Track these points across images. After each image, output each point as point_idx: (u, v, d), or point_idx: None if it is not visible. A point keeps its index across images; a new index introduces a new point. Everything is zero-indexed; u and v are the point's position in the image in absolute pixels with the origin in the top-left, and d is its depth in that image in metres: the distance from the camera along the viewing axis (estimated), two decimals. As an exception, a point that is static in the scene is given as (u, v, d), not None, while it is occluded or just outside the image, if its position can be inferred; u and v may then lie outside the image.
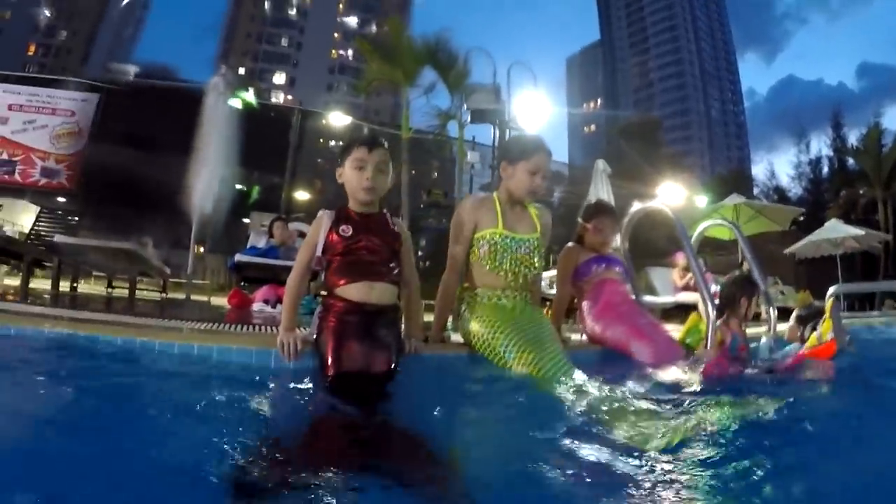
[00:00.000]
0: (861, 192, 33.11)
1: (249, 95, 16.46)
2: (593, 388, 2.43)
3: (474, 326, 3.06)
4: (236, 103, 16.63)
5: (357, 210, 2.73)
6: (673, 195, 19.67)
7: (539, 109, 12.36)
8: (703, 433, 1.81)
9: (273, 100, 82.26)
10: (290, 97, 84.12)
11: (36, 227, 8.94)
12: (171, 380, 2.34)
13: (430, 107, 15.79)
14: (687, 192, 20.07)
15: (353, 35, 79.85)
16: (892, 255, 28.81)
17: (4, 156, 16.30)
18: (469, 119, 13.17)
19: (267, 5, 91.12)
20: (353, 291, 2.55)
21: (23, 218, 9.73)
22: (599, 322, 3.80)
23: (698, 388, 2.76)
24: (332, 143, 43.99)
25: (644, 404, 2.18)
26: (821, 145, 50.11)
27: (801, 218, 23.80)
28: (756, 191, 48.26)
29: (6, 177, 16.76)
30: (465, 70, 13.58)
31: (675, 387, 2.76)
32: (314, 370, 2.44)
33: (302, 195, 34.04)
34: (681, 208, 17.24)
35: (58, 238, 7.54)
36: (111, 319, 3.45)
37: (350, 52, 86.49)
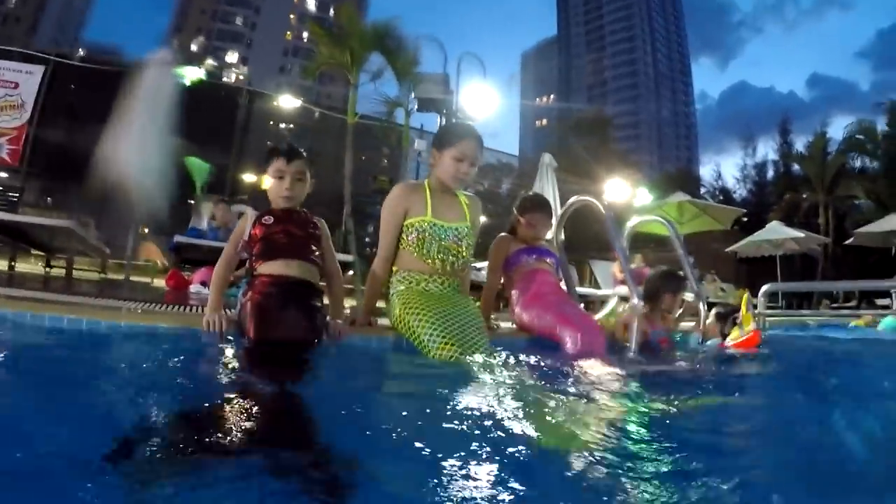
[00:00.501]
0: (804, 196, 33.96)
1: (197, 72, 16.06)
2: (514, 377, 2.47)
3: (400, 311, 3.09)
4: (185, 80, 16.35)
5: (278, 209, 2.93)
6: (618, 191, 19.95)
7: (487, 100, 12.34)
8: (623, 422, 1.83)
9: (225, 79, 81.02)
10: (241, 77, 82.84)
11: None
12: (95, 356, 2.39)
13: (380, 94, 15.80)
14: (632, 189, 20.33)
15: (308, 18, 78.87)
16: (830, 258, 29.72)
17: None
18: (416, 107, 13.12)
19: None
20: (272, 268, 2.72)
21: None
22: (528, 311, 3.81)
23: (621, 381, 2.69)
24: (283, 125, 43.43)
25: (562, 393, 2.19)
26: (767, 150, 51.27)
27: (746, 219, 24.35)
28: (702, 191, 49.19)
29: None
30: (414, 58, 13.44)
31: (598, 377, 2.67)
32: (236, 346, 2.52)
33: (250, 177, 33.59)
34: (625, 204, 17.57)
35: None
36: (44, 297, 3.45)
37: (305, 35, 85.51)
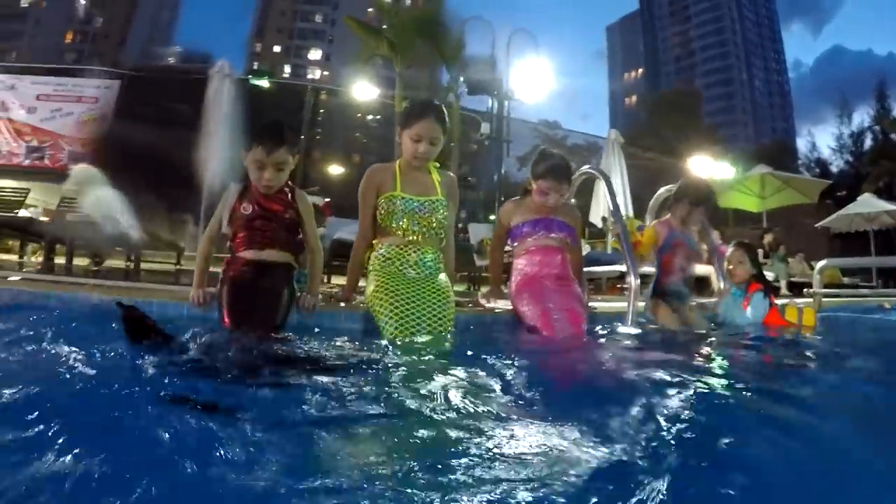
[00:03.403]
0: (904, 165, 32.02)
1: (262, 79, 16.70)
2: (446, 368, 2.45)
3: (371, 291, 3.29)
4: (259, 82, 17.03)
5: (261, 188, 3.13)
6: (702, 167, 19.42)
7: (540, 79, 12.12)
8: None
9: (309, 76, 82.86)
10: (325, 73, 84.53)
11: (60, 208, 9.37)
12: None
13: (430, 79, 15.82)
14: (714, 164, 19.71)
15: (386, 6, 79.47)
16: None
17: (35, 143, 16.90)
18: (467, 91, 13.04)
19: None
20: (247, 254, 3.07)
21: (57, 199, 10.29)
22: (518, 295, 3.73)
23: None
24: (370, 117, 44.07)
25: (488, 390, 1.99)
26: (865, 118, 48.52)
27: (844, 192, 23.15)
28: (798, 163, 47.28)
29: (37, 162, 17.38)
30: (460, 41, 13.23)
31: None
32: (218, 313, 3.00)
33: (336, 169, 34.33)
34: (710, 180, 17.08)
35: (69, 217, 8.04)
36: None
37: (384, 27, 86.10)
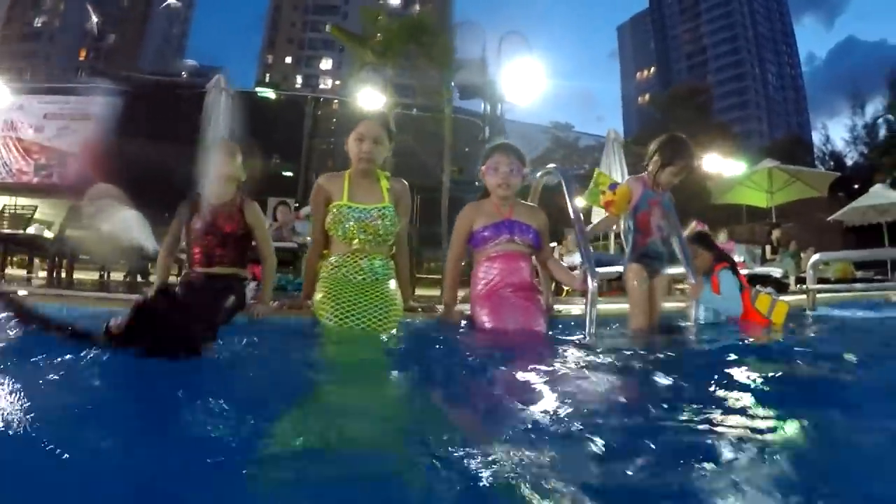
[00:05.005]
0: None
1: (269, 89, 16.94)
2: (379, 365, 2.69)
3: (317, 296, 3.36)
4: (265, 95, 17.30)
5: (211, 201, 3.50)
6: (712, 164, 19.25)
7: (533, 82, 11.93)
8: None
9: (321, 85, 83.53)
10: (337, 82, 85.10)
11: (63, 223, 9.53)
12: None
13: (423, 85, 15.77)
14: (724, 161, 19.51)
15: (398, 16, 79.73)
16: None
17: (43, 161, 17.09)
18: (459, 95, 12.96)
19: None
20: (198, 267, 3.42)
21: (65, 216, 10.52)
22: (479, 306, 3.60)
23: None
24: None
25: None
26: (878, 108, 47.55)
27: (857, 185, 22.78)
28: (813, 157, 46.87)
29: (46, 180, 17.55)
30: (449, 45, 13.07)
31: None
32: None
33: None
34: (717, 176, 16.96)
35: (67, 233, 8.21)
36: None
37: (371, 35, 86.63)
